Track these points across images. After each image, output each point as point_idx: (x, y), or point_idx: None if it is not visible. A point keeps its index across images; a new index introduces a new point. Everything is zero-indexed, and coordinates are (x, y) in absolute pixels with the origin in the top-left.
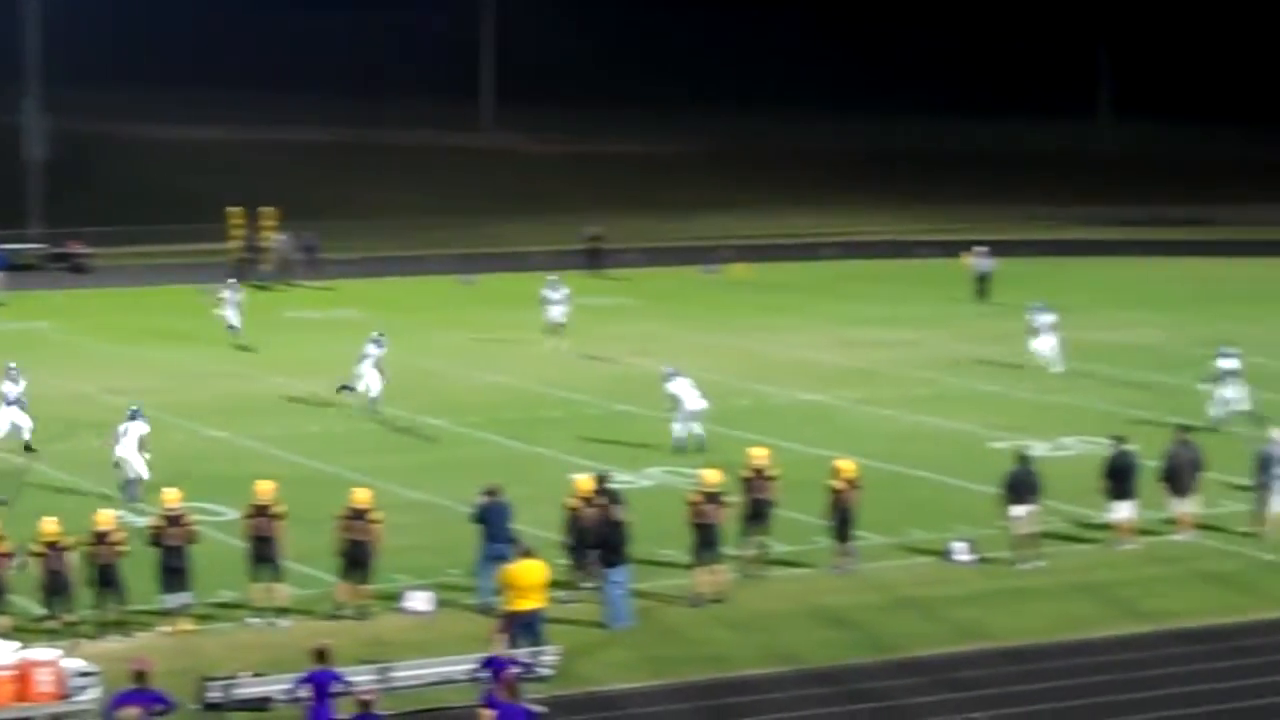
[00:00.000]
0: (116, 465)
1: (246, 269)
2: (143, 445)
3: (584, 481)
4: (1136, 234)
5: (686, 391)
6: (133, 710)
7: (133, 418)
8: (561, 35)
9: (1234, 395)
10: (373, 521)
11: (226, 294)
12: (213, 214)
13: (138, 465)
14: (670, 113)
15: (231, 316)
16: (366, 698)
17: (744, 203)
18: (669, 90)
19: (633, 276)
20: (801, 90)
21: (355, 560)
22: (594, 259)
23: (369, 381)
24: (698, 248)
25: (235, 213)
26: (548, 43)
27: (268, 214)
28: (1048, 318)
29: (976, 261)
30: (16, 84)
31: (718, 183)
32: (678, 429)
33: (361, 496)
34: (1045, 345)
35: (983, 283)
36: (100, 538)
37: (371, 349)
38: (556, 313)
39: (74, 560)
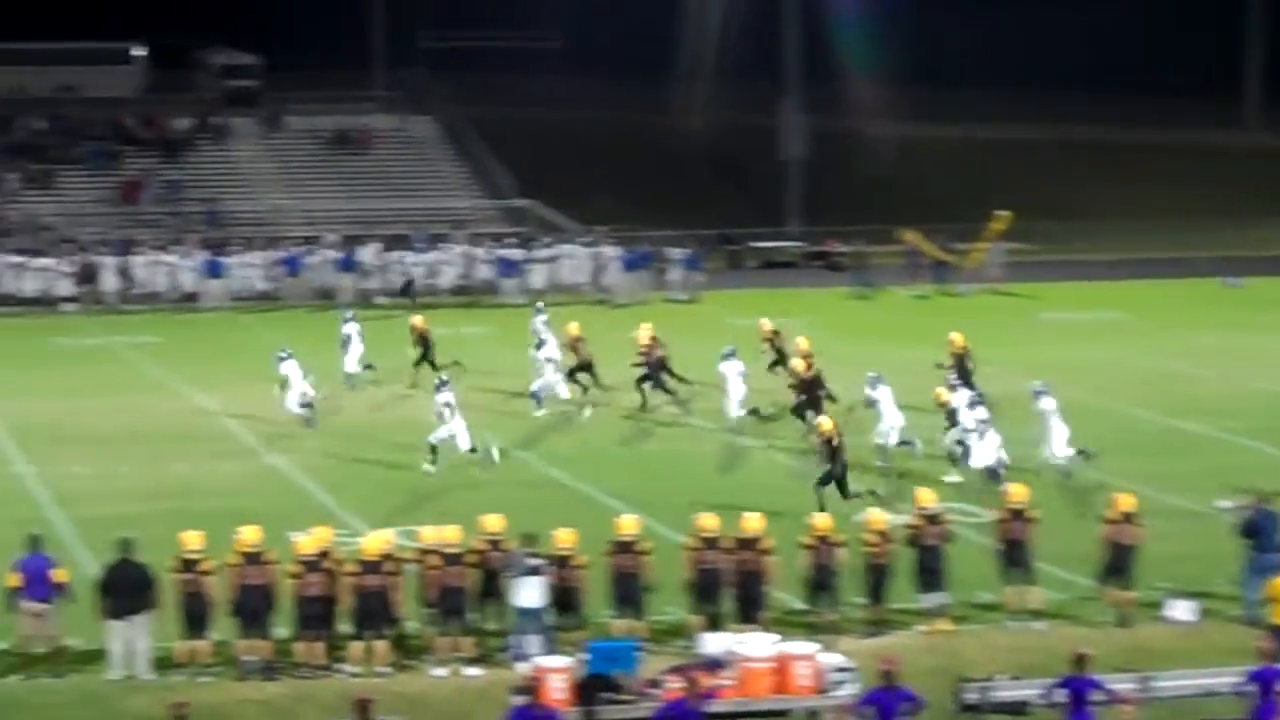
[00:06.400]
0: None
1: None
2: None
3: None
4: None
5: None
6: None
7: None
8: None
9: None
10: (1137, 526)
11: None
12: (956, 214)
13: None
14: None
15: None
16: (1128, 708)
17: None
18: None
19: None
20: None
21: (1117, 565)
22: None
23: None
24: None
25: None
26: None
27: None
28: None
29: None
30: (775, 85)
31: None
32: None
33: (1125, 502)
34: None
35: None
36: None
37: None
38: None
39: (844, 557)
